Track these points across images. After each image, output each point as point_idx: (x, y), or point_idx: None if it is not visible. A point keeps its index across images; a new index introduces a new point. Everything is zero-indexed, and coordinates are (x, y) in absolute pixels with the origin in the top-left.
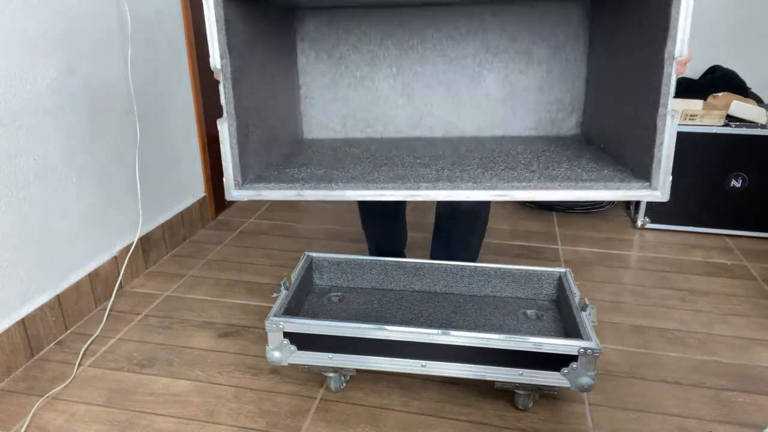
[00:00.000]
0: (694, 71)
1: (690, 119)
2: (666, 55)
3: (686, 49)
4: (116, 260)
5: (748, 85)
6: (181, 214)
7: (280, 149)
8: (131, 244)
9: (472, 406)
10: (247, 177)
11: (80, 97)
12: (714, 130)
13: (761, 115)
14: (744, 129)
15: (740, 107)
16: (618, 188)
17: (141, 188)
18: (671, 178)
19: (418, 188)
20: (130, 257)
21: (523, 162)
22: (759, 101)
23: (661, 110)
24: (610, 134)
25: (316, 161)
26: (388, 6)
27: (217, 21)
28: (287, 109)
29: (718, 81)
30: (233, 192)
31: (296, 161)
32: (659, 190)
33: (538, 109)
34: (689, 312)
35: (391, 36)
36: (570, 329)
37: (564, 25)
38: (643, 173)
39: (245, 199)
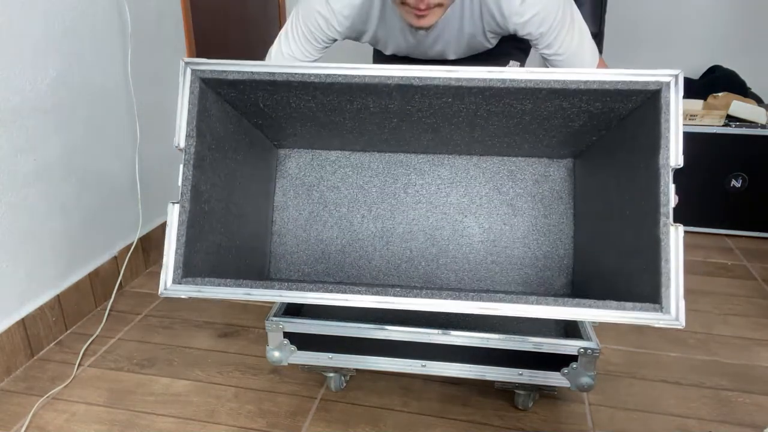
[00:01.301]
0: (694, 71)
1: (690, 119)
2: (661, 162)
3: (681, 158)
4: (116, 260)
5: (748, 85)
6: None
7: (237, 274)
8: (131, 244)
9: (472, 406)
10: (189, 272)
11: (80, 97)
12: (714, 130)
13: (761, 115)
14: (744, 129)
15: (740, 107)
16: (623, 308)
17: (141, 188)
18: (684, 303)
19: (392, 295)
20: (130, 257)
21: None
22: (759, 101)
23: (662, 220)
24: (605, 288)
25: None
26: (373, 151)
27: (190, 102)
28: (254, 243)
29: (718, 81)
30: (169, 286)
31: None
32: (672, 313)
33: (524, 265)
34: (689, 312)
35: (373, 179)
36: (570, 329)
37: (547, 180)
38: (652, 298)
39: (183, 297)
